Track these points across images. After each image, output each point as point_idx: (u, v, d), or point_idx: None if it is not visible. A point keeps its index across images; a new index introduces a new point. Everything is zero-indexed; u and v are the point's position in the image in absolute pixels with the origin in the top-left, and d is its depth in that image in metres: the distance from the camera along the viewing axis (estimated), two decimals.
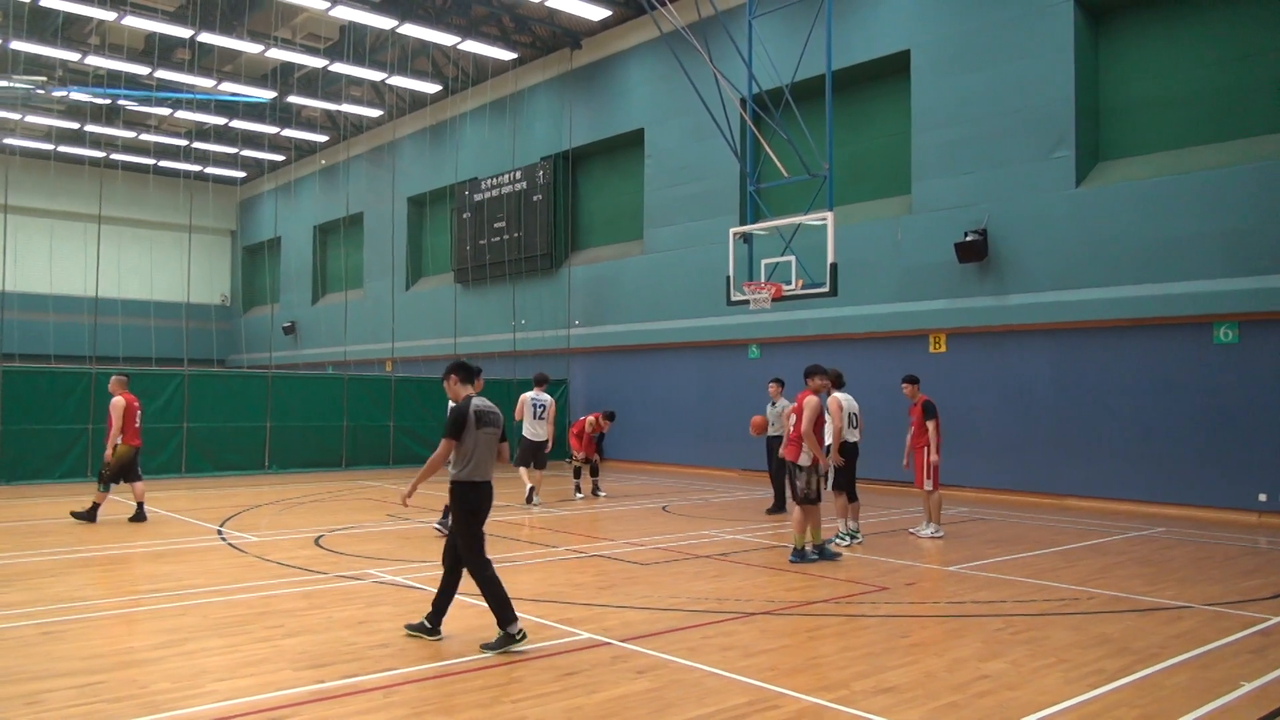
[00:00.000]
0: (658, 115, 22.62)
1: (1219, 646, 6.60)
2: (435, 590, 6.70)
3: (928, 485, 11.47)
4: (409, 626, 6.69)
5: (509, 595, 6.45)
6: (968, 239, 16.25)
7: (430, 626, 6.57)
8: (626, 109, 23.51)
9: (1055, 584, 8.73)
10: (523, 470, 14.80)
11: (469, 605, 7.57)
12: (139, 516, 12.45)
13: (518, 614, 6.48)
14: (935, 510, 11.58)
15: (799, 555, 9.68)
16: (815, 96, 17.89)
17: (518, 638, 6.30)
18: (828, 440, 10.91)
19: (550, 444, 11.81)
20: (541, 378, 15.05)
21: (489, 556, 6.57)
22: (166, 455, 18.99)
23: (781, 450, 13.80)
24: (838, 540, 10.89)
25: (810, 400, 9.73)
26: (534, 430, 14.65)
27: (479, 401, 6.62)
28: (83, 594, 8.00)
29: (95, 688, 5.44)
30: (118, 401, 12.37)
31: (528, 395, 14.71)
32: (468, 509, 6.45)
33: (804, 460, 9.70)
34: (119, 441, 12.39)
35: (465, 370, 6.80)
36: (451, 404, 6.84)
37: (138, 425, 12.57)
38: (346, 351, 30.31)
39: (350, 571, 9.01)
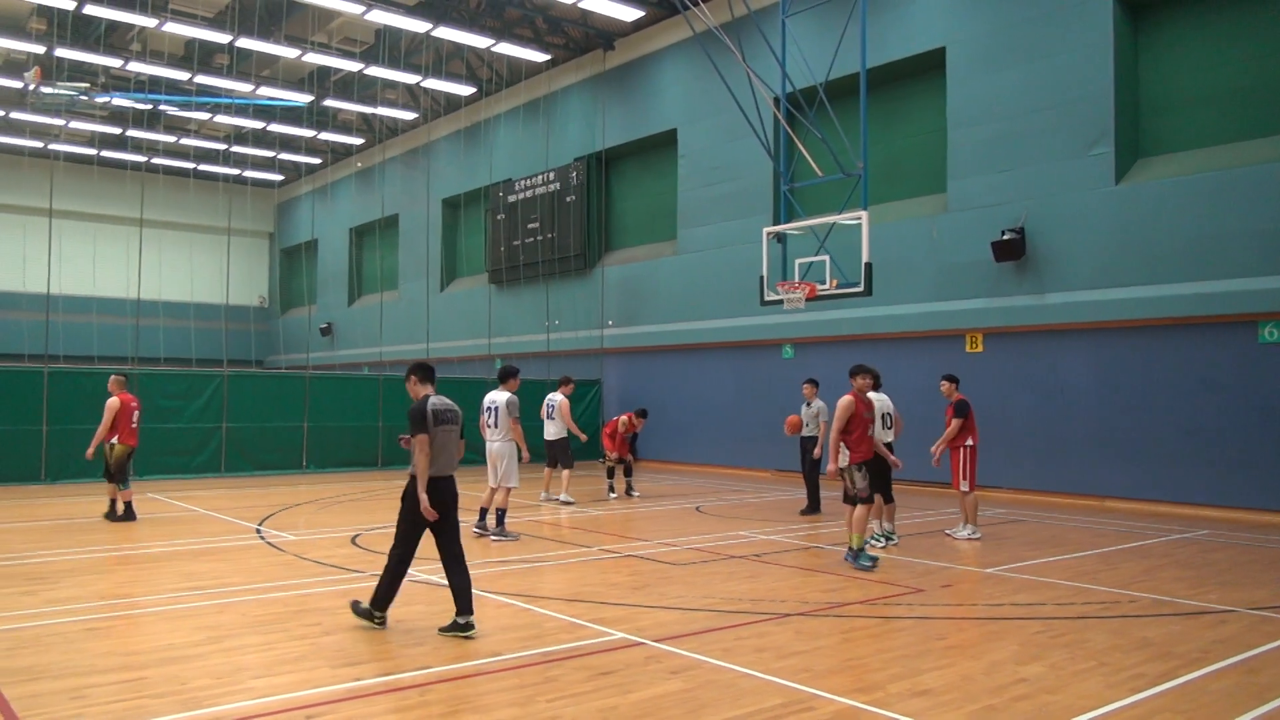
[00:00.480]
0: (691, 115, 22.62)
1: (1265, 651, 6.47)
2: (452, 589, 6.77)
3: (964, 486, 11.39)
4: (442, 629, 6.74)
5: (393, 595, 6.82)
6: (1005, 237, 16.11)
7: (460, 623, 6.64)
8: (659, 109, 23.53)
9: (1095, 587, 8.62)
10: (547, 470, 15.33)
11: (504, 604, 7.60)
12: (114, 514, 12.49)
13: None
14: (971, 511, 11.49)
15: (864, 555, 9.54)
16: (849, 95, 17.79)
17: (377, 622, 6.79)
18: (888, 438, 11.17)
19: (524, 451, 11.43)
20: (563, 380, 15.58)
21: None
22: (206, 455, 19.27)
23: (817, 452, 13.85)
24: (873, 542, 10.82)
25: (841, 400, 9.70)
26: (548, 430, 15.26)
27: (437, 400, 6.89)
28: (125, 591, 8.13)
29: (137, 683, 5.52)
30: (112, 402, 12.42)
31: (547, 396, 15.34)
32: (417, 505, 6.70)
33: (843, 461, 9.66)
34: (114, 441, 12.41)
35: (424, 370, 7.08)
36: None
37: (134, 425, 12.52)
38: (382, 352, 30.59)
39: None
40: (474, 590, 7.79)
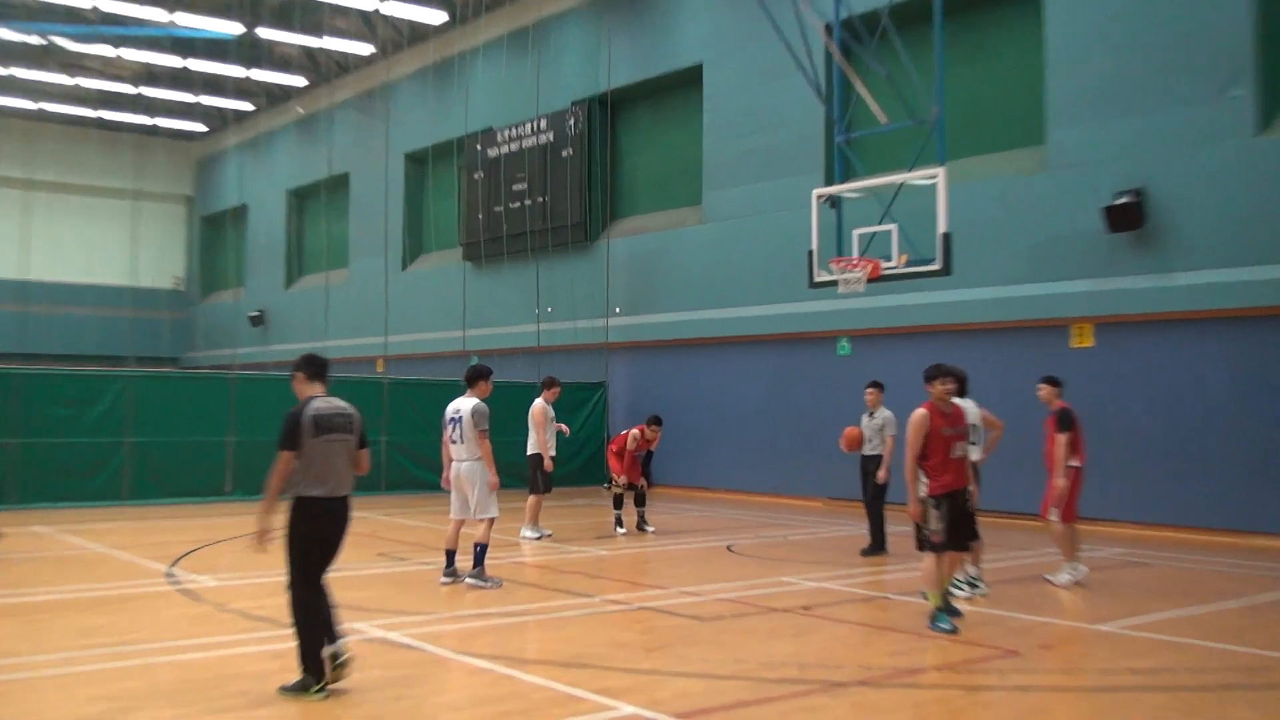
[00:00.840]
0: (720, 48, 22.58)
1: None
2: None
3: (1053, 516, 11.34)
4: (286, 689, 6.87)
5: (330, 630, 6.89)
6: (1119, 202, 16.07)
7: (316, 680, 6.81)
8: (680, 41, 23.49)
9: (1239, 648, 8.57)
10: (531, 499, 15.25)
11: (480, 670, 7.53)
12: None
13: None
14: (1067, 545, 11.43)
15: (942, 616, 9.20)
16: (922, 22, 17.66)
17: (318, 692, 6.77)
18: (973, 455, 10.67)
19: (492, 474, 11.12)
20: (546, 381, 15.69)
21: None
22: (104, 478, 19.28)
23: (883, 475, 13.74)
24: (954, 591, 10.71)
25: (913, 416, 9.44)
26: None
27: (322, 404, 7.13)
28: (4, 650, 8.11)
29: None
30: None
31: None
32: (300, 529, 6.95)
33: (920, 491, 9.42)
34: None
35: (314, 366, 7.33)
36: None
37: None
38: (328, 348, 30.65)
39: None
40: (435, 651, 7.75)
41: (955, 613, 9.49)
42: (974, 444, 11.04)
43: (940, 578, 9.38)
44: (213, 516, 17.61)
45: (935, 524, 9.33)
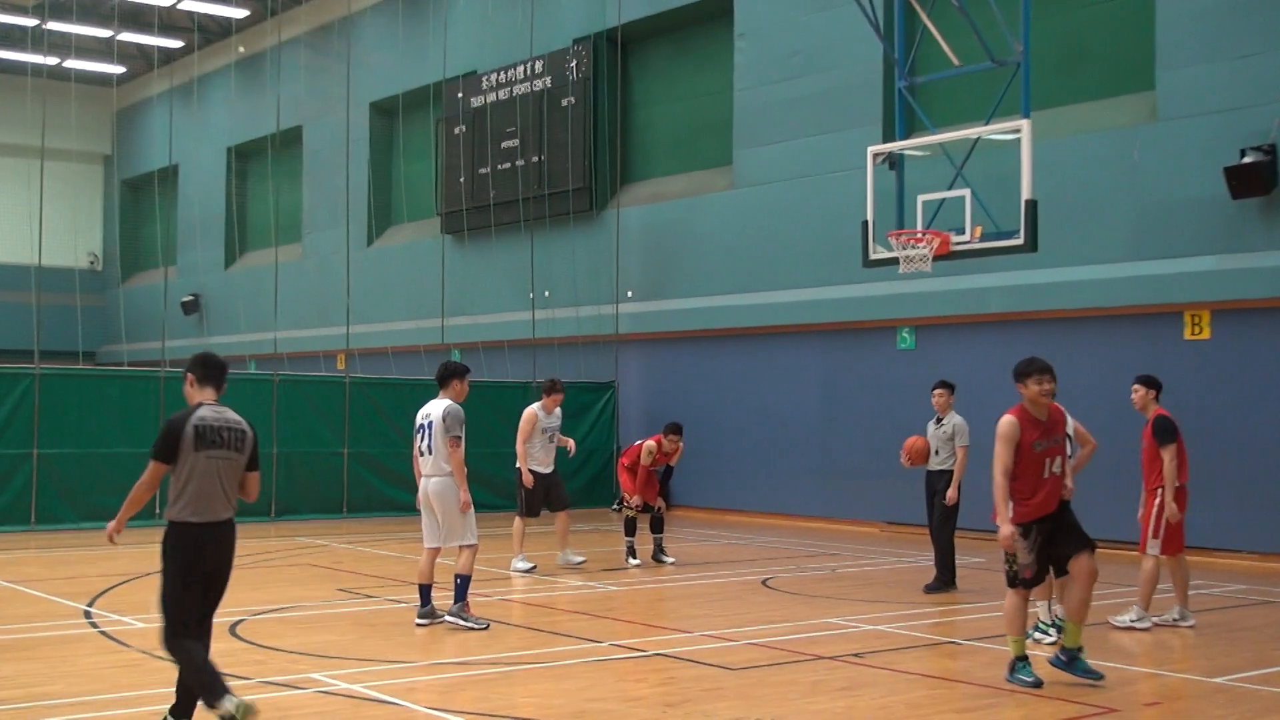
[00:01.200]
0: None
1: None
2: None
3: (1152, 548, 11.41)
4: None
5: (221, 682, 6.95)
6: (1245, 161, 16.05)
7: None
8: None
9: None
10: (517, 522, 15.50)
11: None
12: None
13: None
14: (1148, 586, 11.47)
15: (1024, 665, 9.25)
16: None
17: None
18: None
19: (463, 491, 11.18)
20: (549, 384, 15.96)
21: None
22: (7, 499, 19.47)
23: (952, 495, 13.85)
24: (1038, 636, 10.91)
25: (1002, 423, 9.22)
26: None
27: (209, 412, 7.35)
28: None
29: None
30: None
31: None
32: (176, 560, 7.18)
33: (1002, 529, 9.11)
34: None
35: (206, 367, 7.61)
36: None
37: None
38: (277, 340, 30.79)
39: (283, 676, 9.22)
40: (409, 706, 8.00)
41: (1032, 671, 9.34)
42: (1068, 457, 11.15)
43: (1023, 618, 9.32)
44: (139, 544, 17.57)
45: (1024, 556, 9.15)
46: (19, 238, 38.38)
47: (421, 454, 11.36)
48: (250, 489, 7.57)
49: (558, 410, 15.91)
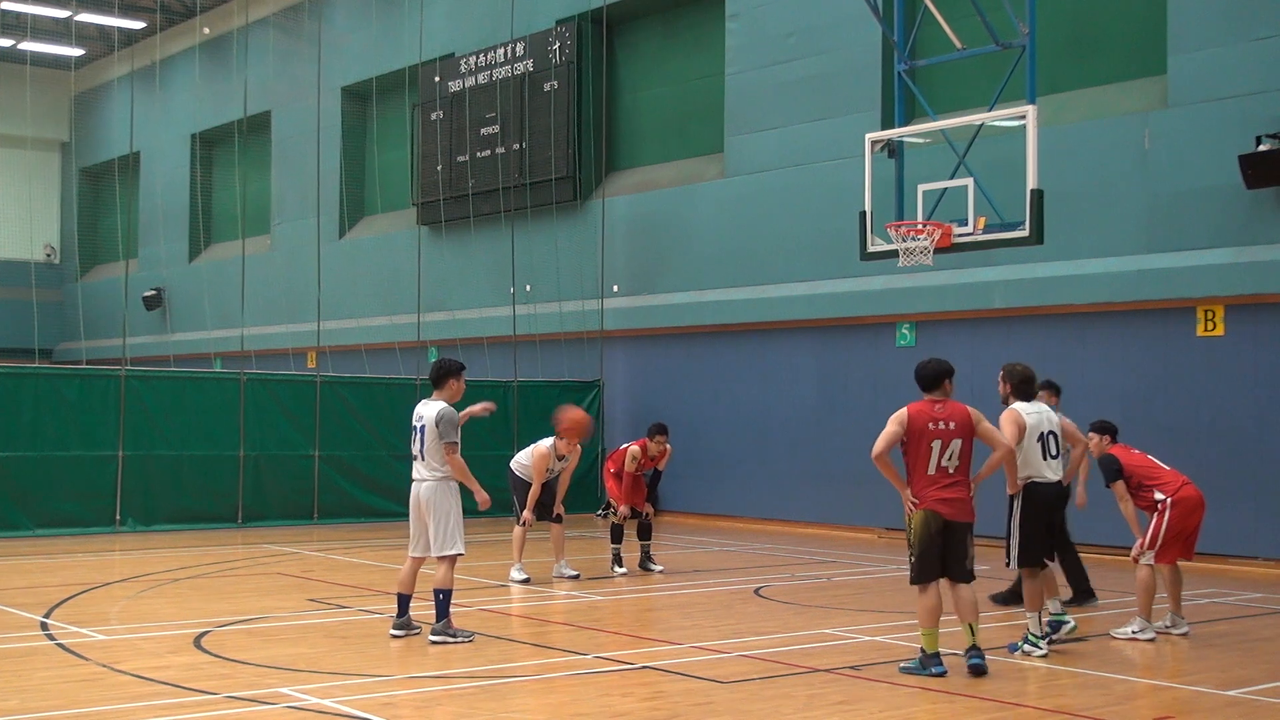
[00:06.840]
0: None
1: None
2: None
3: (1146, 556, 11.41)
4: None
5: None
6: (1262, 149, 16.05)
7: None
8: None
9: None
10: (517, 530, 15.30)
11: None
12: None
13: None
14: (1146, 596, 11.49)
15: (916, 662, 9.74)
16: None
17: None
18: (1051, 475, 10.99)
19: (477, 492, 11.09)
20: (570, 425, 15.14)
21: None
22: None
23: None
24: (1026, 648, 10.83)
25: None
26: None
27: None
28: None
29: None
30: None
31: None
32: None
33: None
34: None
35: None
36: None
37: None
38: (244, 336, 30.67)
39: (250, 691, 9.14)
40: None
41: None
42: (1054, 458, 11.17)
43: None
44: (99, 552, 17.68)
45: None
46: None
47: (414, 457, 11.30)
48: None
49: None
